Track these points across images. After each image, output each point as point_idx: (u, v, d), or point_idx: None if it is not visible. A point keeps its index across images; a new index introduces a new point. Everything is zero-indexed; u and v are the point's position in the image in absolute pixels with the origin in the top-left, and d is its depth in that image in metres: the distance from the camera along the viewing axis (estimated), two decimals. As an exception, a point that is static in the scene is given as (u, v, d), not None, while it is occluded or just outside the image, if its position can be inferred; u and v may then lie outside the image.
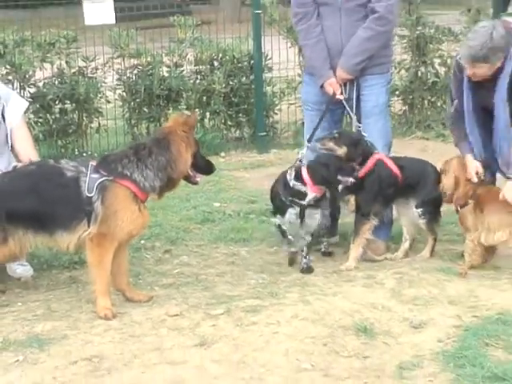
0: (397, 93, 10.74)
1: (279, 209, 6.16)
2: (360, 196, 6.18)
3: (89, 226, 5.21)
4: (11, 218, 5.19)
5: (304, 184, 5.99)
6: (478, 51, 5.73)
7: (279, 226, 6.23)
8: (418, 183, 6.32)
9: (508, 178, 5.93)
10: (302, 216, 6.03)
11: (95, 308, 5.31)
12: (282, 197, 6.07)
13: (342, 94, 6.36)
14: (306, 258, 6.12)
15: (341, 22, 6.31)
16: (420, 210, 6.30)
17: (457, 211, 6.20)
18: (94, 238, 5.22)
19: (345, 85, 6.36)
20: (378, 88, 6.47)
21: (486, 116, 6.07)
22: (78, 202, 5.20)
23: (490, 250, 6.14)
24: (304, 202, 6.03)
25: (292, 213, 6.05)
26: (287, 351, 4.76)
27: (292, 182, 6.03)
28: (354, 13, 6.28)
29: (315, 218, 6.11)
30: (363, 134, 6.30)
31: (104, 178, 5.23)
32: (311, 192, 6.00)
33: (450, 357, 4.66)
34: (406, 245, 6.48)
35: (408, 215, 6.41)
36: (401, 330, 5.05)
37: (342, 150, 6.16)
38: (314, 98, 6.62)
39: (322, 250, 6.54)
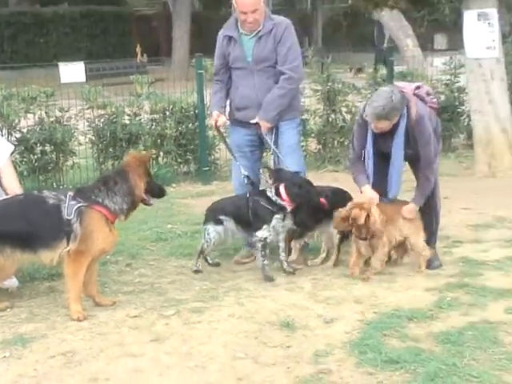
0: (312, 135, 10.80)
1: (261, 220, 6.06)
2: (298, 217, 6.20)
3: (67, 244, 5.15)
4: (1, 238, 5.10)
5: (282, 200, 6.04)
6: (382, 111, 5.79)
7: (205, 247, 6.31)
8: (338, 207, 6.33)
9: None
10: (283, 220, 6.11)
11: (69, 312, 5.25)
12: (269, 206, 6.05)
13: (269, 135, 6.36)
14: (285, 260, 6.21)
15: (254, 80, 6.34)
16: None
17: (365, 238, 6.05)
18: (72, 254, 5.17)
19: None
20: (290, 131, 6.47)
21: (381, 158, 6.12)
22: (59, 224, 5.15)
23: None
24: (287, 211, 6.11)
25: (278, 218, 6.05)
26: (225, 344, 4.75)
27: (274, 198, 6.05)
28: (263, 72, 6.31)
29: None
30: (285, 167, 6.30)
31: (81, 204, 5.20)
32: (288, 205, 6.06)
33: (355, 345, 4.68)
34: (323, 255, 6.51)
35: (328, 232, 6.43)
36: (316, 325, 5.06)
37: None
38: (237, 143, 6.64)
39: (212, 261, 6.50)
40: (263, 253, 6.05)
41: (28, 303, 5.60)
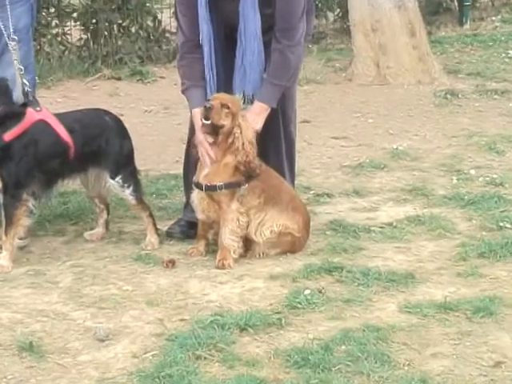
0: (74, 15, 10.76)
1: None
2: (7, 170, 6.08)
3: None
4: None
5: None
6: None
7: None
8: (100, 146, 6.33)
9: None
10: None
11: None
12: None
13: None
14: None
15: None
16: (119, 179, 6.35)
17: None
18: None
19: None
20: (16, 9, 6.44)
21: (228, 44, 6.25)
22: None
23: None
24: None
25: None
26: None
27: None
28: None
29: None
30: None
31: None
32: None
33: (149, 378, 4.64)
34: (103, 218, 6.63)
35: (104, 190, 6.52)
36: (81, 345, 5.04)
37: None
38: None
39: None
40: None
41: None
